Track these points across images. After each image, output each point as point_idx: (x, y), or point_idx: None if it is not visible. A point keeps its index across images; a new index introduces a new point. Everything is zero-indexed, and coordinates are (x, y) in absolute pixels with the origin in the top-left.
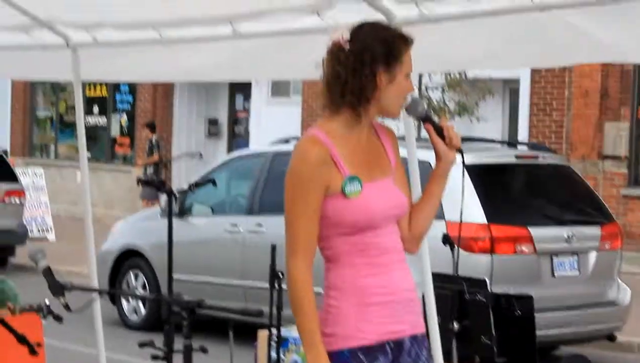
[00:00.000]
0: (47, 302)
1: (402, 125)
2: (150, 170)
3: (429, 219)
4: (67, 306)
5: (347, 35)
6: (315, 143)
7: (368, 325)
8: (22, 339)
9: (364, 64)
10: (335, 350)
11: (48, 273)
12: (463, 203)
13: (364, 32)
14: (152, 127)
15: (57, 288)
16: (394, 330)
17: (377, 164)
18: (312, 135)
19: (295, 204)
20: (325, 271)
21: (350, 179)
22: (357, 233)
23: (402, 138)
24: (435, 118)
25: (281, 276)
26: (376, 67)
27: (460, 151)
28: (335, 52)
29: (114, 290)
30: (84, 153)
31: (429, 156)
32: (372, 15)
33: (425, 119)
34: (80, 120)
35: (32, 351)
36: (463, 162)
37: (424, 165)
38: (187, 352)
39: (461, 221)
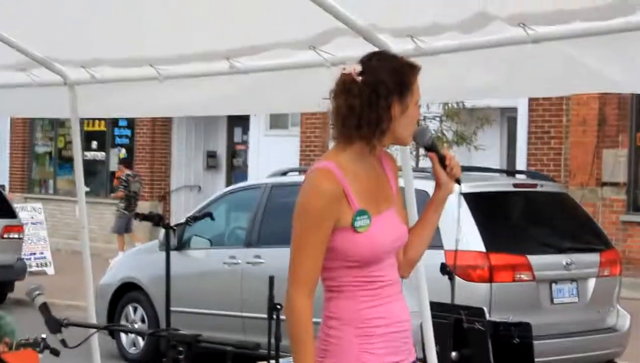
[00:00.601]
0: (44, 336)
1: (400, 154)
2: (122, 205)
3: (424, 246)
4: (64, 342)
5: (358, 68)
6: (329, 177)
7: (369, 357)
8: None
9: (379, 96)
10: None
11: (45, 309)
12: (459, 232)
13: (374, 64)
14: (127, 163)
15: (54, 325)
16: (390, 360)
17: (383, 194)
18: (326, 168)
19: (304, 236)
20: (325, 301)
21: (360, 213)
22: (362, 266)
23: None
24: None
25: (279, 307)
26: (391, 98)
27: (458, 182)
28: (348, 85)
29: (111, 326)
30: (82, 188)
31: (426, 186)
32: (368, 49)
33: (430, 148)
34: (78, 156)
35: None
36: (461, 192)
37: (420, 194)
38: None
39: (457, 250)
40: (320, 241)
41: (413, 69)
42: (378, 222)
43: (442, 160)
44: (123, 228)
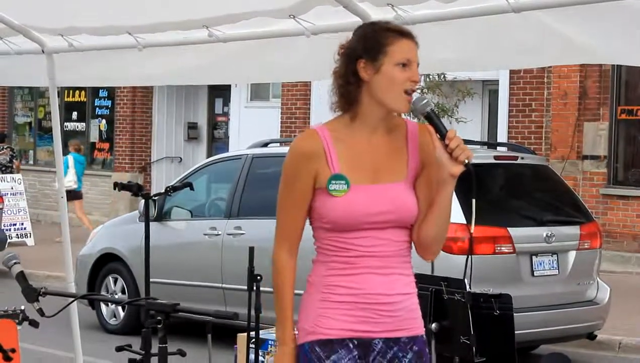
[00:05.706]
0: (23, 308)
1: None
2: None
3: (435, 227)
4: (41, 312)
5: (344, 41)
6: (310, 136)
7: (328, 321)
8: None
9: (347, 64)
10: (298, 344)
11: (22, 278)
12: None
13: (354, 34)
14: (1, 137)
15: (31, 294)
16: (359, 329)
17: (388, 167)
18: (311, 129)
19: (281, 193)
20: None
21: (336, 177)
22: (337, 230)
23: None
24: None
25: (259, 278)
26: (357, 62)
27: (467, 166)
28: (335, 58)
29: (88, 295)
30: (60, 158)
31: None
32: (349, 19)
33: (427, 117)
34: (57, 125)
35: (6, 357)
36: (473, 177)
37: None
38: (162, 356)
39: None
40: (296, 199)
41: (391, 31)
42: (363, 191)
43: (442, 135)
44: None
